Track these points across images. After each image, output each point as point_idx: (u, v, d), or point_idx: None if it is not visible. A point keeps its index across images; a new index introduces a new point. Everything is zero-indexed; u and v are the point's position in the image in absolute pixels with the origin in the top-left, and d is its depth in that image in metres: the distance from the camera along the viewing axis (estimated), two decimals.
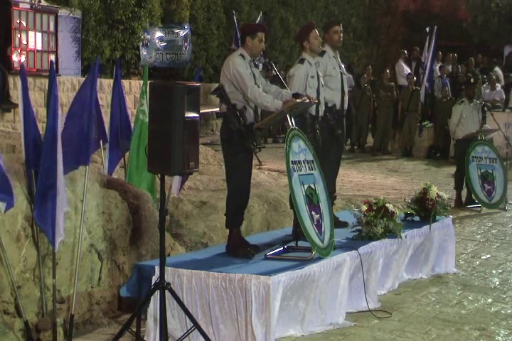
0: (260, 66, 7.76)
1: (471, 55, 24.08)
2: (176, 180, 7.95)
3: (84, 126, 6.29)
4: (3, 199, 5.66)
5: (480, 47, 26.62)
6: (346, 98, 8.52)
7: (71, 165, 6.29)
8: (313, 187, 6.95)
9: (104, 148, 8.48)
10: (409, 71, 21.17)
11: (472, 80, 19.00)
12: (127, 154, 8.67)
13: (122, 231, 7.10)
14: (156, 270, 6.16)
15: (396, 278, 8.13)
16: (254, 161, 7.06)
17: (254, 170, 7.43)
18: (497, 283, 8.50)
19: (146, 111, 8.24)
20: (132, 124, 8.73)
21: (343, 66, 8.62)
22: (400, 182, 15.39)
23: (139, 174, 8.43)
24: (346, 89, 8.53)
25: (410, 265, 8.42)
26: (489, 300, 7.81)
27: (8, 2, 15.24)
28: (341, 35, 8.52)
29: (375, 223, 7.65)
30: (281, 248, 7.14)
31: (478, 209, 12.90)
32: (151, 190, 8.30)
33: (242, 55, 7.01)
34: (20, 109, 6.17)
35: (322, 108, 8.04)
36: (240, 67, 6.90)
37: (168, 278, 6.15)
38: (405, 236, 8.03)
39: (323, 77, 8.14)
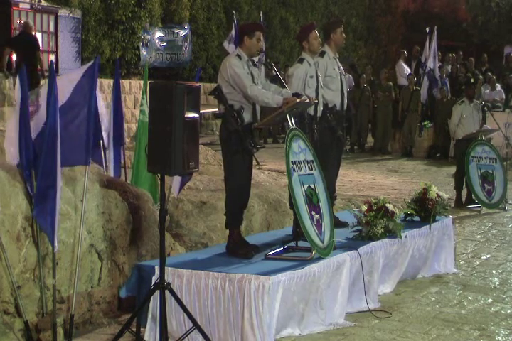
0: (262, 68, 7.74)
1: (471, 55, 24.09)
2: (176, 180, 7.94)
3: (84, 126, 6.29)
4: None
5: (480, 47, 26.62)
6: (346, 99, 8.53)
7: (69, 163, 6.29)
8: (313, 187, 6.95)
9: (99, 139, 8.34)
10: (409, 71, 21.16)
11: (472, 80, 19.01)
12: (128, 155, 8.65)
13: (122, 231, 7.10)
14: (156, 270, 6.16)
15: (396, 278, 8.12)
16: (254, 161, 7.06)
17: (254, 170, 7.42)
18: (497, 283, 8.49)
19: (146, 111, 8.23)
20: (134, 124, 8.71)
21: (341, 67, 8.62)
22: (400, 182, 15.39)
23: (143, 174, 8.41)
24: (346, 90, 8.54)
25: (410, 265, 8.41)
26: (489, 300, 7.80)
27: (8, 2, 15.26)
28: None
29: (375, 223, 7.64)
30: (281, 248, 7.13)
31: (478, 209, 12.88)
32: (155, 191, 8.28)
33: (238, 56, 7.03)
34: (16, 110, 6.12)
35: (320, 108, 8.03)
36: (237, 67, 6.91)
37: (168, 278, 6.15)
38: (405, 236, 8.03)
39: (323, 78, 8.14)
